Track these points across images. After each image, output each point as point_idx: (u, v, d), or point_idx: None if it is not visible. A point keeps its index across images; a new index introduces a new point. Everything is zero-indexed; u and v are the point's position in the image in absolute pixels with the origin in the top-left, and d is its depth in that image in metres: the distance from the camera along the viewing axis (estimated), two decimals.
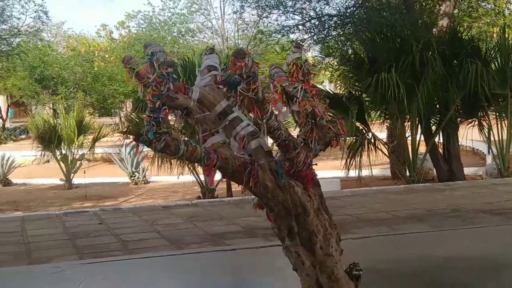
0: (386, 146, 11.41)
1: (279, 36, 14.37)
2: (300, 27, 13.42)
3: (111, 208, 8.94)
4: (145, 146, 2.66)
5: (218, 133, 3.03)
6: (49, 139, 16.30)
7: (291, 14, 13.75)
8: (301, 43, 3.89)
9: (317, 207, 3.28)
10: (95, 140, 17.48)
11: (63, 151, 17.00)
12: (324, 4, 13.37)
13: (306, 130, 3.40)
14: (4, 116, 37.05)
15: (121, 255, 5.77)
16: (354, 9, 13.35)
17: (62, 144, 16.82)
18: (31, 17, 14.69)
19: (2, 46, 14.28)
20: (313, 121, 3.35)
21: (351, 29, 13.21)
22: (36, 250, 5.94)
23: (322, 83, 20.49)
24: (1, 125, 35.38)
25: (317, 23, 13.31)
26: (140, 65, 2.82)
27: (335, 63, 13.58)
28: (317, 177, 3.37)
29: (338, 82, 12.51)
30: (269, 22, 14.29)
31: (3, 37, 13.95)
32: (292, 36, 14.26)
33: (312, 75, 3.79)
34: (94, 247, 6.09)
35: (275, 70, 3.55)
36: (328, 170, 12.76)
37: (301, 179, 3.25)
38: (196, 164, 3.00)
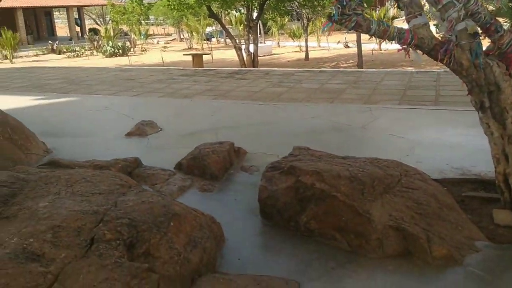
0: None
1: None
2: None
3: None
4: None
5: (421, 16, 3.59)
6: None
7: None
8: None
9: None
10: None
11: None
12: None
13: None
14: None
15: (428, 105, 6.97)
16: None
17: None
18: None
19: None
20: None
21: None
22: (374, 95, 7.98)
23: None
24: None
25: None
26: None
27: None
28: None
29: None
30: None
31: None
32: None
33: None
34: (414, 97, 7.63)
35: None
36: None
37: (506, 60, 3.55)
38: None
